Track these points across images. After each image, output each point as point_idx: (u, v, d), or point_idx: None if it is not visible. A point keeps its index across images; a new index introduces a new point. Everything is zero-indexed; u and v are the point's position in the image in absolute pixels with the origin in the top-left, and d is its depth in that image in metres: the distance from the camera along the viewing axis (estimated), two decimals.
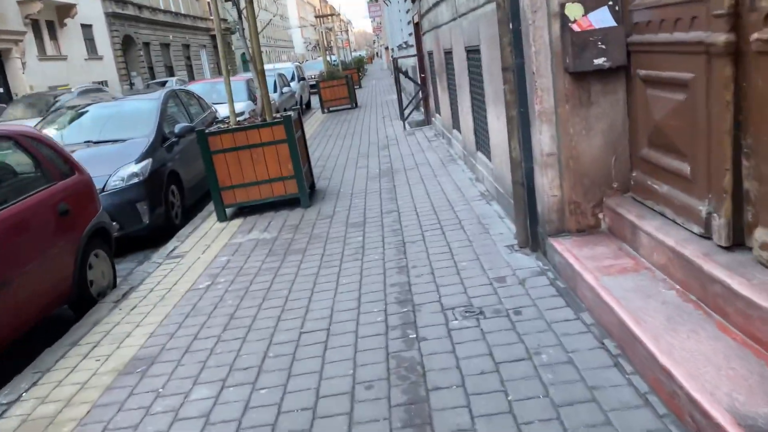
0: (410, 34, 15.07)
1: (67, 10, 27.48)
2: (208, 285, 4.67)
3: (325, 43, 18.43)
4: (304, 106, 21.53)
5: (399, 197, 6.47)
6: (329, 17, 20.42)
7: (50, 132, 7.55)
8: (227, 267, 5.03)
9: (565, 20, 3.59)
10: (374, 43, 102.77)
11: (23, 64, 24.63)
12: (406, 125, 11.84)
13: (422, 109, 12.40)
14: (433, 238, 4.87)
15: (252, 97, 12.32)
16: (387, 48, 41.43)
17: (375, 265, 4.49)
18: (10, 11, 24.17)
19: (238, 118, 10.56)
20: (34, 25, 25.88)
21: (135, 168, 6.48)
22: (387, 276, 4.22)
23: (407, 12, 14.97)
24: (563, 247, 3.71)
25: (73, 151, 6.92)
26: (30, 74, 24.93)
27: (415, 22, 12.28)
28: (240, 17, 7.12)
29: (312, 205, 6.72)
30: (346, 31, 52.01)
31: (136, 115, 7.57)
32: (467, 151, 7.21)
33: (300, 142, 6.94)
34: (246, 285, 4.53)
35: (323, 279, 4.38)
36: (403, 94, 13.41)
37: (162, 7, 40.19)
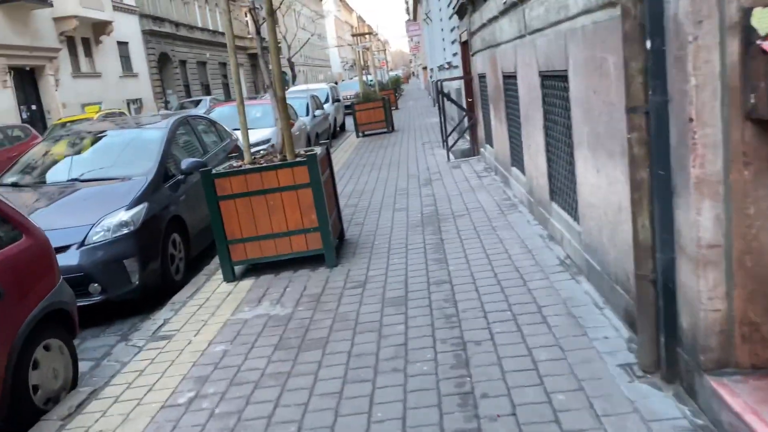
0: (454, 54, 13.74)
1: (103, 28, 27.00)
2: (190, 399, 3.33)
3: (362, 62, 17.19)
4: (338, 128, 20.36)
5: (449, 258, 5.07)
6: (366, 36, 19.18)
7: (34, 164, 6.39)
8: (221, 365, 3.69)
9: (750, 36, 2.18)
10: (411, 62, 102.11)
11: (56, 81, 24.09)
12: (450, 155, 10.46)
13: (468, 137, 11.03)
14: (505, 340, 3.45)
15: None
16: (425, 68, 40.26)
17: (424, 385, 3.09)
18: (45, 28, 23.69)
19: (260, 148, 9.38)
20: (69, 42, 25.39)
21: (125, 216, 5.23)
22: (444, 412, 2.82)
23: (452, 30, 13.66)
24: (737, 400, 2.26)
25: (55, 192, 5.77)
26: (63, 91, 24.37)
27: (462, 40, 10.95)
28: (258, 33, 5.89)
29: (339, 263, 5.37)
30: (384, 50, 51.08)
31: (137, 148, 6.36)
32: (535, 199, 5.78)
33: (327, 185, 5.62)
34: (241, 405, 3.17)
35: (348, 407, 2.99)
36: (444, 119, 12.05)
37: (199, 25, 39.83)
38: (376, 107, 16.58)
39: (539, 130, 5.19)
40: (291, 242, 5.28)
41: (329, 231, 5.26)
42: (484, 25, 7.96)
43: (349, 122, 19.74)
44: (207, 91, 39.55)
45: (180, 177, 6.15)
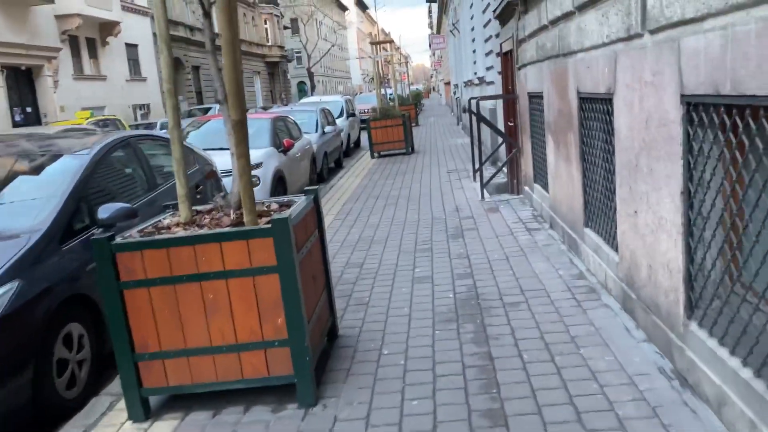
0: (489, 69, 11.59)
1: (110, 28, 25.26)
2: None
3: (381, 73, 15.07)
4: (352, 145, 18.24)
5: (509, 402, 2.89)
6: (385, 44, 17.09)
7: None
8: None
9: None
10: (431, 77, 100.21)
11: (55, 82, 22.30)
12: (485, 192, 8.27)
13: (506, 170, 8.86)
14: None
15: (277, 143, 9.02)
16: (447, 83, 38.19)
17: None
18: (45, 26, 21.93)
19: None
20: (72, 41, 23.63)
21: None
22: None
23: (487, 40, 11.53)
24: None
25: None
26: (63, 94, 22.57)
27: (502, 51, 8.80)
28: (207, 17, 3.82)
29: (322, 398, 3.20)
30: (405, 63, 49.17)
31: (36, 185, 4.27)
32: (644, 299, 3.56)
33: (309, 263, 3.47)
34: None
35: None
36: (479, 144, 9.89)
37: (216, 31, 38.02)
38: (395, 125, 14.45)
39: (670, 195, 3.00)
40: (241, 362, 3.12)
41: (306, 346, 3.09)
42: (543, 28, 5.81)
43: (365, 137, 17.63)
44: None
45: (97, 231, 4.05)
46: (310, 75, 55.73)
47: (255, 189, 7.29)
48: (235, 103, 3.18)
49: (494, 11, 9.03)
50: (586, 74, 4.43)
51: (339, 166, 14.74)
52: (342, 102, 18.02)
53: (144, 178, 5.08)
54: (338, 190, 10.31)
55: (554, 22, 5.35)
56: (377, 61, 15.40)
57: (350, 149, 17.73)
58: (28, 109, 21.67)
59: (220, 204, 3.53)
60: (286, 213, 3.25)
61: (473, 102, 8.49)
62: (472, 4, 14.41)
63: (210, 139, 8.96)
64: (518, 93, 7.66)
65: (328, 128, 13.31)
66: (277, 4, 49.77)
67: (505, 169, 9.07)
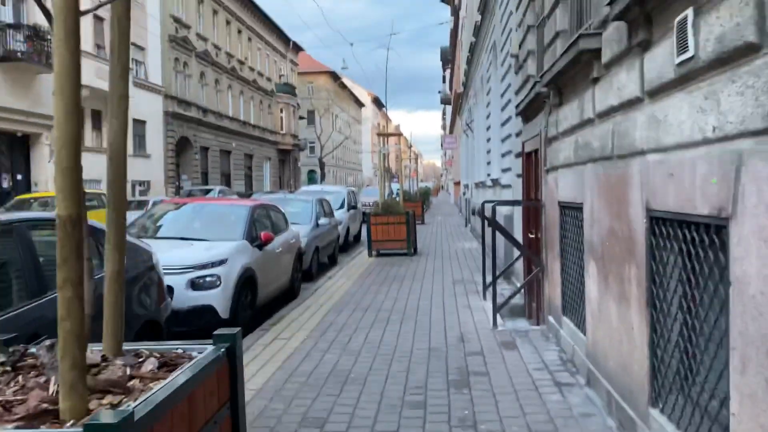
0: (505, 170, 10.33)
1: None
2: None
3: (384, 165, 13.88)
4: (351, 239, 16.83)
5: None
6: (392, 137, 16.04)
7: None
8: None
9: None
10: (441, 176, 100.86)
11: (52, 152, 21.39)
12: (498, 319, 6.66)
13: (524, 292, 7.32)
14: None
15: (253, 235, 7.58)
16: (457, 183, 37.42)
17: None
18: (49, 95, 21.31)
19: (200, 274, 5.88)
20: None
21: None
22: None
23: (504, 140, 10.35)
24: None
25: None
26: None
27: (525, 151, 7.52)
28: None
29: None
30: (415, 160, 48.86)
31: None
32: None
33: None
34: None
35: None
36: (493, 256, 8.40)
37: (230, 114, 37.99)
38: (398, 222, 13.08)
39: None
40: None
41: None
42: (587, 122, 4.48)
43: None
44: (227, 180, 37.08)
45: None
46: (321, 164, 55.62)
47: (214, 292, 5.74)
48: (66, 183, 1.71)
49: (517, 107, 7.84)
50: (665, 185, 3.00)
51: (333, 262, 13.27)
52: (344, 193, 16.80)
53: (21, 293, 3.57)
54: (323, 295, 8.75)
55: (606, 114, 4.01)
56: (383, 154, 14.21)
57: (349, 243, 16.32)
58: (19, 177, 20.65)
59: (43, 361, 1.98)
60: (143, 396, 1.70)
61: (489, 206, 7.09)
62: (489, 103, 13.44)
63: (174, 226, 7.57)
64: (545, 201, 6.26)
65: (323, 220, 11.95)
66: (295, 95, 50.32)
67: (524, 292, 7.52)
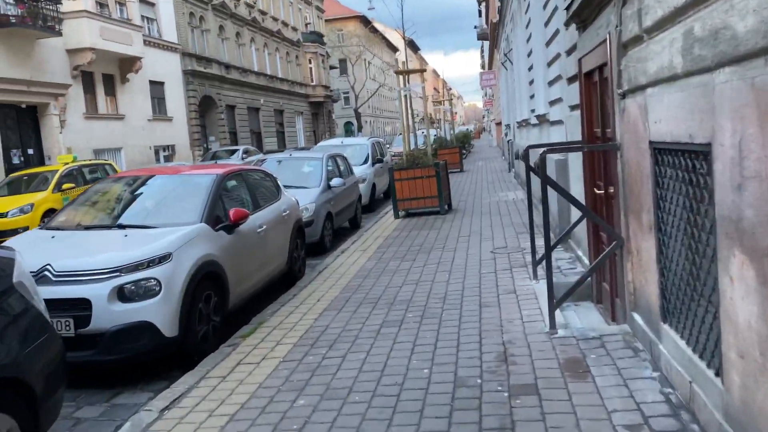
0: (553, 103, 8.02)
1: (130, 64, 22.98)
2: None
3: (407, 106, 11.59)
4: (381, 195, 14.78)
5: None
6: (414, 74, 13.50)
7: None
8: None
9: None
10: (483, 117, 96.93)
11: (62, 122, 19.95)
12: (557, 315, 4.56)
13: (584, 256, 5.19)
14: None
15: (216, 215, 5.63)
16: (498, 124, 34.64)
17: None
18: (53, 61, 19.70)
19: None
20: (86, 78, 21.37)
21: None
22: None
23: (551, 63, 8.00)
24: None
25: None
26: (72, 134, 20.19)
27: (583, 71, 5.22)
28: None
29: None
30: (449, 101, 45.68)
31: None
32: None
33: None
34: None
35: None
36: (529, 205, 6.26)
37: (255, 69, 35.89)
38: (427, 176, 10.96)
39: None
40: None
41: None
42: None
43: None
44: (258, 139, 35.35)
45: None
46: (357, 115, 53.25)
47: (151, 303, 3.94)
48: None
49: (567, 8, 5.51)
50: None
51: (355, 226, 11.34)
52: (367, 145, 14.67)
53: None
54: (329, 278, 6.84)
55: None
56: (405, 95, 11.88)
57: (376, 202, 14.31)
58: (30, 151, 19.31)
59: None
60: None
61: (536, 154, 4.93)
62: (528, 22, 10.95)
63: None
64: (622, 140, 4.05)
65: (336, 181, 9.93)
66: (323, 44, 47.67)
67: (583, 255, 5.39)
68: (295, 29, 43.65)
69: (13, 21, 17.36)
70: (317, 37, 46.17)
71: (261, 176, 7.17)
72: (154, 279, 4.51)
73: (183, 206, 5.49)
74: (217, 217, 5.52)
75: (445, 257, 7.36)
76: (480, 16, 48.78)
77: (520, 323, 4.67)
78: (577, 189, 5.78)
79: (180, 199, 5.68)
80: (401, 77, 12.13)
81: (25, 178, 13.46)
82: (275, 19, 39.86)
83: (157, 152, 25.38)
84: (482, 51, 65.68)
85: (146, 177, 6.15)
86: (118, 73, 23.07)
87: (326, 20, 53.84)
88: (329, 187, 9.73)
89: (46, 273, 4.43)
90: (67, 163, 13.83)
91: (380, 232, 9.80)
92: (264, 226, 6.32)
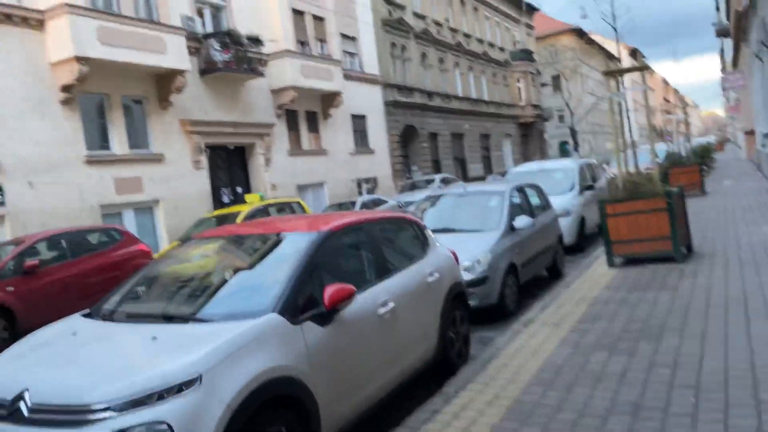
0: None
1: (331, 99, 22.98)
2: None
3: (616, 112, 8.55)
4: (592, 231, 11.74)
5: None
6: (631, 73, 10.34)
7: None
8: None
9: None
10: (726, 127, 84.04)
11: (267, 160, 20.39)
12: None
13: None
14: None
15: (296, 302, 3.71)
16: (750, 132, 28.34)
17: None
18: (260, 102, 20.31)
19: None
20: (290, 116, 21.75)
21: None
22: None
23: None
24: None
25: None
26: (276, 171, 20.58)
27: None
28: None
29: None
30: (684, 108, 39.25)
31: None
32: None
33: None
34: None
35: None
36: None
37: (459, 93, 34.50)
38: (653, 209, 7.94)
39: None
40: None
41: None
42: None
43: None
44: (462, 165, 33.81)
45: None
46: (573, 133, 49.03)
47: None
48: None
49: None
50: None
51: (555, 274, 8.76)
52: (573, 168, 11.83)
53: None
54: (487, 385, 4.50)
55: None
56: (617, 102, 8.86)
57: (586, 239, 11.41)
58: (239, 189, 19.99)
59: None
60: None
61: None
62: None
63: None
64: None
65: (522, 221, 7.50)
66: (533, 61, 44.77)
67: None
68: (502, 49, 41.59)
69: (220, 66, 18.07)
70: (526, 55, 43.49)
71: (398, 226, 5.14)
72: (165, 425, 2.72)
73: (252, 285, 3.70)
74: (308, 300, 3.61)
75: (687, 351, 4.54)
76: (717, 10, 41.75)
77: None
78: None
79: (254, 274, 3.90)
80: (612, 80, 9.20)
81: (213, 219, 13.31)
82: (480, 41, 38.25)
83: (359, 185, 25.10)
84: (722, 52, 56.61)
85: (221, 240, 4.48)
86: (321, 109, 23.21)
87: (536, 37, 50.85)
88: (513, 229, 7.36)
89: (20, 406, 2.91)
90: (253, 204, 13.42)
91: (586, 290, 7.11)
92: (391, 304, 4.25)
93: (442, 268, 5.14)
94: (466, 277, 6.33)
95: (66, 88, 13.64)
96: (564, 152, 56.13)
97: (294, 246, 3.88)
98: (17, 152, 12.79)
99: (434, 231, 6.20)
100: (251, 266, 4.04)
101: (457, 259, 5.60)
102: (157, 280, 4.21)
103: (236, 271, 4.01)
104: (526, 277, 7.64)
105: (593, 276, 7.84)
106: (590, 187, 11.74)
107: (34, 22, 13.28)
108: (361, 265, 4.33)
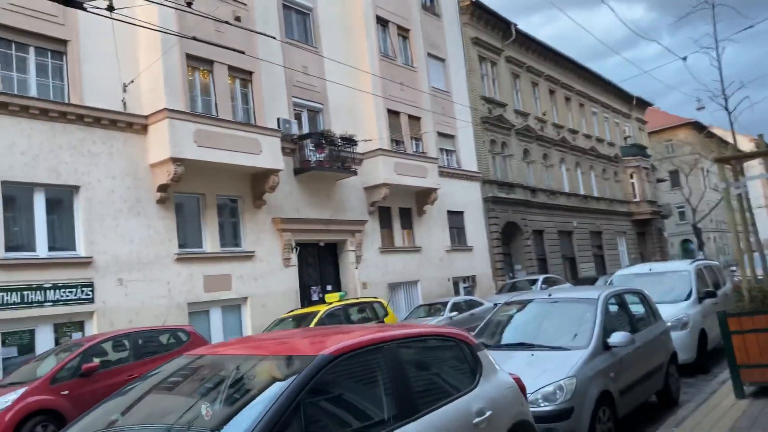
0: None
1: (426, 196, 22.54)
2: None
3: (743, 210, 7.08)
4: (716, 346, 9.80)
5: None
6: (750, 159, 8.78)
7: None
8: None
9: None
10: None
11: (357, 257, 19.98)
12: None
13: None
14: None
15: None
16: None
17: None
18: (353, 199, 20.26)
19: None
20: (383, 213, 21.45)
21: None
22: None
23: None
24: None
25: None
26: (367, 269, 20.09)
27: None
28: None
29: None
30: None
31: None
32: None
33: None
34: None
35: None
36: None
37: (566, 190, 33.01)
38: None
39: None
40: None
41: None
42: None
43: None
44: (572, 264, 31.69)
45: None
46: (697, 231, 45.09)
47: None
48: None
49: None
50: None
51: (667, 401, 7.11)
52: (689, 272, 10.12)
53: None
54: None
55: None
56: (736, 194, 7.36)
57: (708, 356, 9.50)
58: (329, 287, 19.58)
59: None
60: None
61: None
62: None
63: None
64: None
65: (618, 337, 6.12)
66: (647, 156, 42.48)
67: None
68: (611, 144, 39.91)
69: (314, 165, 18.31)
70: (639, 150, 41.38)
71: (437, 346, 4.12)
72: None
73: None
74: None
75: None
76: None
77: None
78: None
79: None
80: (728, 169, 7.75)
81: (291, 320, 12.77)
82: (588, 137, 36.95)
83: (456, 284, 23.96)
84: None
85: (205, 359, 3.69)
86: (415, 205, 22.79)
87: (650, 132, 48.65)
88: (607, 347, 6.01)
89: None
90: (331, 303, 12.79)
91: (706, 427, 5.52)
92: None
93: (496, 402, 4.01)
94: (545, 407, 5.11)
95: (162, 188, 14.16)
96: (687, 251, 51.68)
97: (274, 388, 2.98)
98: (111, 250, 13.20)
99: (507, 347, 5.10)
100: (211, 402, 3.16)
101: (522, 388, 4.42)
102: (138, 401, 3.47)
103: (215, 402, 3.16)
104: (627, 408, 6.15)
105: (716, 408, 6.19)
106: (712, 294, 9.93)
107: (138, 126, 14.12)
108: (376, 402, 3.34)
